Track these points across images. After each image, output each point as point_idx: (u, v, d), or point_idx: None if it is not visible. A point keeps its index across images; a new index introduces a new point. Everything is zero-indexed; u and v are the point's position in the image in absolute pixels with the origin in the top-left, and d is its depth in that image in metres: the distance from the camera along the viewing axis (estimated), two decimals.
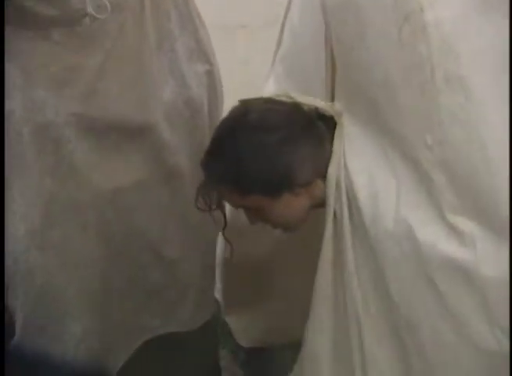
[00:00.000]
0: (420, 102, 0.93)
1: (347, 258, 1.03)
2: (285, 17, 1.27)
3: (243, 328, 1.59)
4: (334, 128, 1.08)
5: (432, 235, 0.94)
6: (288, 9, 1.26)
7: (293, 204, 1.09)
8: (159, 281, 1.30)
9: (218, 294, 1.53)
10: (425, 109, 0.93)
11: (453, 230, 0.92)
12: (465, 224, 0.92)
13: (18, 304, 1.18)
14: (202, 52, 1.31)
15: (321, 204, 1.10)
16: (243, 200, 1.09)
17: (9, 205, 1.13)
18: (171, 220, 1.28)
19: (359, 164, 1.02)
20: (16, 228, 1.14)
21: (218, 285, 1.50)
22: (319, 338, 1.10)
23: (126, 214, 1.22)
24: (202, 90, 1.29)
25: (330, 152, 1.06)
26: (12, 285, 1.16)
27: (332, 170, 1.05)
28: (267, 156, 1.05)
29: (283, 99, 1.12)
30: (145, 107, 1.19)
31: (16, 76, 1.08)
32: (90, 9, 1.06)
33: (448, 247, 0.92)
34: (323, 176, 1.06)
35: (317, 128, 1.09)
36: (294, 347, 1.42)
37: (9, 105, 1.09)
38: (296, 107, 1.10)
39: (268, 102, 1.13)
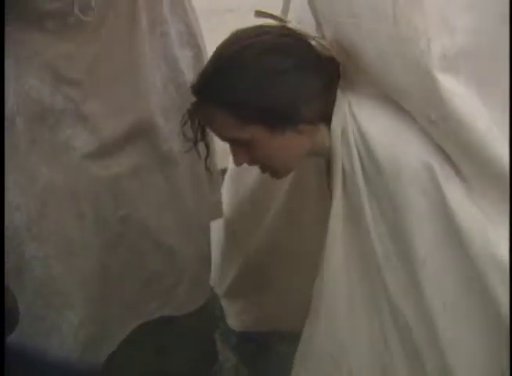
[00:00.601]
0: (418, 78, 0.92)
1: (364, 213, 0.98)
2: None
3: (236, 312, 1.60)
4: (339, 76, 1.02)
5: (456, 192, 0.93)
6: None
7: (292, 144, 1.01)
8: (156, 267, 1.30)
9: (213, 278, 1.53)
10: (423, 84, 0.91)
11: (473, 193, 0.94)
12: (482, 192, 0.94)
13: (16, 294, 1.16)
14: (191, 36, 1.30)
15: (318, 152, 1.04)
16: (240, 130, 0.98)
17: (4, 195, 1.11)
18: (167, 207, 1.28)
19: (370, 114, 0.98)
20: (11, 218, 1.12)
21: (214, 270, 1.50)
22: (335, 292, 1.03)
23: (123, 201, 1.21)
24: (191, 74, 1.28)
25: (335, 98, 1.00)
26: (10, 276, 1.14)
27: (336, 121, 0.99)
28: (278, 81, 0.96)
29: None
30: (139, 94, 1.18)
31: (9, 65, 1.07)
32: (76, 11, 1.04)
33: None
34: (327, 122, 1.00)
35: (327, 67, 1.01)
36: (285, 334, 1.45)
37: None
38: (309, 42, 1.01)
39: (284, 28, 1.03)
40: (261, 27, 1.03)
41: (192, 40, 1.30)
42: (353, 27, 0.95)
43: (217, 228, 1.48)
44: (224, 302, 1.62)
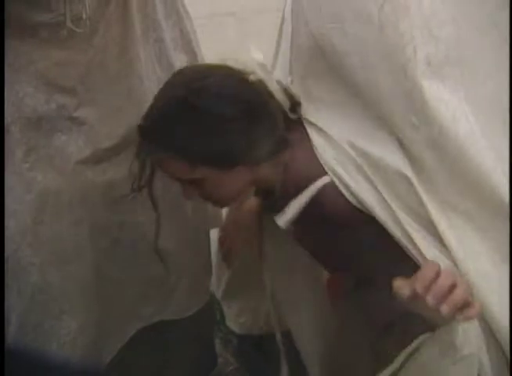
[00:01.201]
0: (403, 83, 0.93)
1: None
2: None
3: (235, 315, 1.60)
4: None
5: None
6: None
7: (239, 180, 1.05)
8: (153, 272, 1.30)
9: (212, 282, 1.54)
10: (408, 90, 0.93)
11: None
12: (459, 202, 0.94)
13: (12, 302, 1.17)
14: (186, 42, 1.30)
15: (264, 188, 1.08)
16: (191, 171, 1.01)
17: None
18: (164, 211, 1.26)
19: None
20: (7, 224, 1.13)
21: (214, 273, 1.51)
22: None
23: (119, 207, 1.21)
24: None
25: (281, 137, 1.03)
26: (5, 283, 1.15)
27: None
28: (226, 128, 0.99)
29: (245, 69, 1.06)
30: (134, 99, 1.19)
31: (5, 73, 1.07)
32: (69, 23, 1.05)
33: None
34: (272, 160, 1.04)
35: (273, 107, 1.05)
36: (286, 336, 1.45)
37: None
38: (255, 82, 1.04)
39: (229, 68, 1.05)
40: (206, 66, 1.07)
41: (187, 46, 1.31)
42: (338, 32, 0.96)
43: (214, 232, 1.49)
44: (223, 305, 1.62)
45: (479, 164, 0.90)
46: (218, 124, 0.99)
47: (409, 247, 0.96)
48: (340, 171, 1.00)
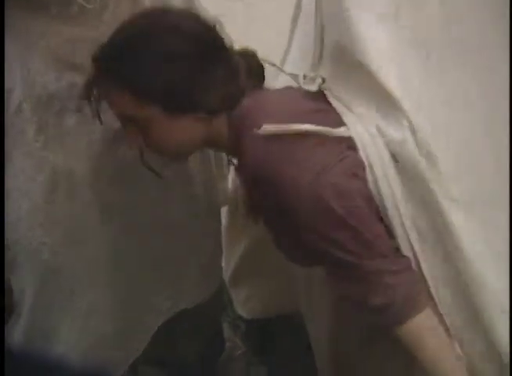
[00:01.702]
0: None
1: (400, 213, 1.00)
2: None
3: (243, 300, 1.61)
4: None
5: None
6: None
7: (187, 130, 1.00)
8: (168, 253, 1.29)
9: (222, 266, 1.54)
10: None
11: None
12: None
13: (24, 282, 1.18)
14: None
15: (217, 144, 1.04)
16: (138, 108, 0.97)
17: (12, 182, 1.12)
18: (174, 192, 1.27)
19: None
20: (18, 205, 1.13)
21: (224, 256, 1.50)
22: None
23: (132, 186, 1.20)
24: None
25: (238, 91, 1.00)
26: (19, 262, 1.16)
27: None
28: (177, 65, 0.95)
29: None
30: None
31: (15, 52, 1.07)
32: None
33: None
34: (227, 113, 1.00)
35: (235, 59, 1.01)
36: (294, 319, 1.45)
37: (8, 83, 1.08)
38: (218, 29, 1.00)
39: (193, 13, 1.03)
40: (171, 7, 1.03)
41: None
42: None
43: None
44: (231, 290, 1.62)
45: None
46: (169, 62, 0.95)
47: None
48: (371, 149, 0.97)
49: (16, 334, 1.21)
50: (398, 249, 0.98)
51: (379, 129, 0.97)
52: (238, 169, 1.08)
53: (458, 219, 0.93)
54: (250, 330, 1.66)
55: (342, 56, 1.01)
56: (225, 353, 1.60)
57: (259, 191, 0.98)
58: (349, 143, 0.97)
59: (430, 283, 0.97)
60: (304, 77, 1.05)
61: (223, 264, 1.53)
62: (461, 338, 0.97)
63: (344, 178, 0.94)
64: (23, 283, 1.19)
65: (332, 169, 0.93)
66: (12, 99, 1.09)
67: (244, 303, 1.61)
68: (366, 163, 0.96)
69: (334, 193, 0.92)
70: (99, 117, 1.05)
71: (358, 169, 0.96)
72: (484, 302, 0.94)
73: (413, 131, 0.94)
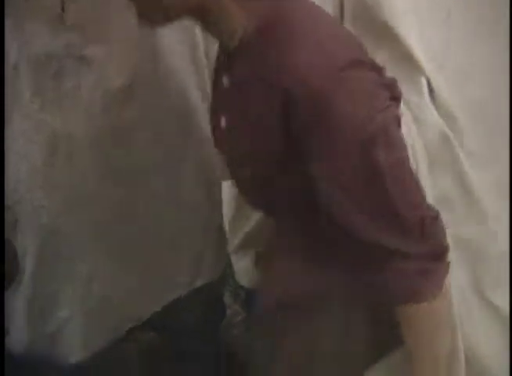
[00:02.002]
0: None
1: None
2: None
3: (245, 269, 1.61)
4: None
5: None
6: None
7: None
8: (176, 229, 1.27)
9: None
10: None
11: None
12: None
13: (26, 244, 1.18)
14: None
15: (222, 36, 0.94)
16: None
17: (11, 145, 1.12)
18: (183, 160, 1.25)
19: None
20: (18, 168, 1.13)
21: (227, 226, 1.50)
22: None
23: (132, 152, 1.18)
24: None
25: None
26: (20, 224, 1.16)
27: None
28: None
29: None
30: (144, 33, 1.12)
31: (8, 14, 1.06)
32: None
33: None
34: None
35: None
36: None
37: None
38: None
39: None
40: None
41: None
42: None
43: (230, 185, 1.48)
44: (233, 258, 1.62)
45: None
46: None
47: None
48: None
49: (18, 301, 1.21)
50: None
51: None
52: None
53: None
54: (250, 298, 1.66)
55: (363, 16, 1.01)
56: (225, 320, 1.61)
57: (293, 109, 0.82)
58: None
59: None
60: None
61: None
62: None
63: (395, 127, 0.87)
64: (24, 245, 1.18)
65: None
66: (9, 60, 1.08)
67: (246, 272, 1.61)
68: None
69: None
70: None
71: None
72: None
73: (432, 92, 0.94)
